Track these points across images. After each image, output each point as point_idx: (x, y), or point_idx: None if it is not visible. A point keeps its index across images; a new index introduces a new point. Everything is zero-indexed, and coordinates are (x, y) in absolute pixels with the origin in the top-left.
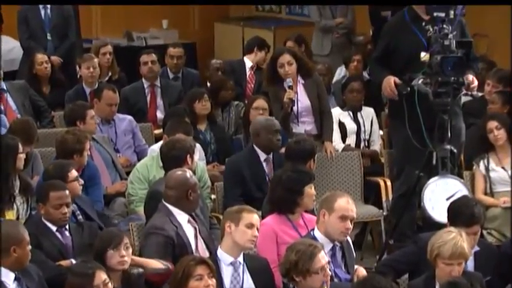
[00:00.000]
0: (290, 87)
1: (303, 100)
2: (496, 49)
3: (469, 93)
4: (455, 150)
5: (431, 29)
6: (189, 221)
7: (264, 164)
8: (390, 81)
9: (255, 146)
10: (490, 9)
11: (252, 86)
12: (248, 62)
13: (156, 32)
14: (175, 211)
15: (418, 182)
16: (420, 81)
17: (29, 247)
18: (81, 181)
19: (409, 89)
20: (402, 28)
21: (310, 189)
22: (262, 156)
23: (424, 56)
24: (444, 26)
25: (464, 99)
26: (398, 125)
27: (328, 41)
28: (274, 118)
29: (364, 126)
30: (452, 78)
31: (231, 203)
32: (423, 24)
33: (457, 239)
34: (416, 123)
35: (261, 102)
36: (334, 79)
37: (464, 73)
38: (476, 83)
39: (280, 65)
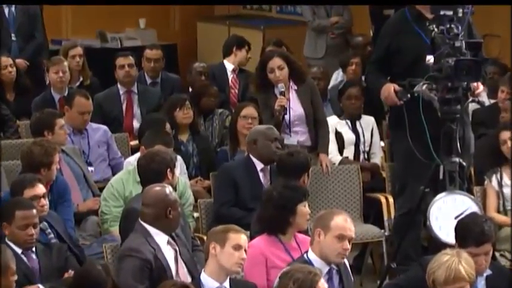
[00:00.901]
0: (281, 93)
1: (295, 108)
2: (507, 51)
3: (476, 99)
4: (464, 164)
5: (435, 29)
6: (168, 242)
7: (261, 175)
8: (390, 89)
9: (251, 156)
10: (502, 6)
11: (236, 91)
12: (229, 65)
13: (132, 32)
14: (154, 231)
15: (423, 198)
16: (424, 87)
17: (15, 277)
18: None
19: (409, 95)
20: (404, 28)
21: (303, 208)
22: (259, 166)
23: (429, 59)
24: (452, 25)
25: (472, 106)
26: (400, 135)
27: (322, 42)
28: (273, 127)
29: (364, 136)
30: (465, 83)
31: (223, 212)
32: (427, 23)
33: (451, 261)
34: (419, 133)
35: (249, 110)
36: (331, 84)
37: (479, 78)
38: (481, 88)
39: (270, 69)
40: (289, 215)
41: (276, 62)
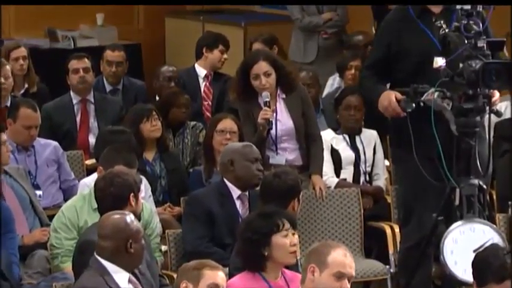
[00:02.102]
0: (266, 104)
1: (283, 120)
2: None
3: (494, 109)
4: (484, 186)
5: (443, 25)
6: (130, 281)
7: (238, 203)
8: (391, 97)
9: (225, 180)
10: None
11: (210, 103)
12: (200, 70)
13: (88, 29)
14: (112, 268)
15: (436, 228)
16: (436, 95)
17: None
18: None
19: (414, 105)
20: (406, 25)
21: (280, 239)
22: (236, 192)
23: (439, 61)
24: (471, 21)
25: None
26: (403, 153)
27: (313, 44)
28: (252, 144)
29: (365, 154)
30: (487, 91)
31: (200, 250)
32: (433, 19)
33: None
34: (428, 150)
35: (227, 123)
36: (325, 92)
37: (510, 83)
38: (497, 95)
39: (254, 76)
40: (263, 248)
41: (262, 67)
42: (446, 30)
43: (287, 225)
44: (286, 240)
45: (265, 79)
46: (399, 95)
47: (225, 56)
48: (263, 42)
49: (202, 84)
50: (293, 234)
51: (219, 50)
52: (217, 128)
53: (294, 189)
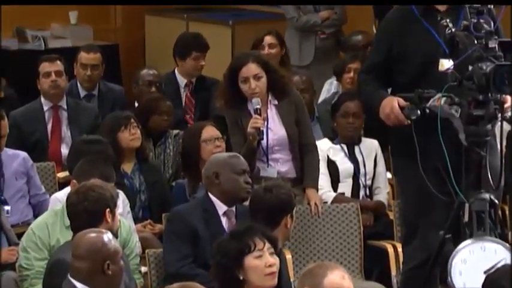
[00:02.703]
0: (257, 111)
1: (275, 129)
2: None
3: (506, 116)
4: (496, 201)
5: (450, 24)
6: None
7: (224, 220)
8: (393, 104)
9: (210, 195)
10: None
11: (192, 115)
12: (180, 78)
13: (60, 29)
14: None
15: (442, 247)
16: (443, 101)
17: None
18: None
19: (419, 112)
20: (409, 24)
21: (252, 260)
22: (221, 208)
23: (446, 64)
24: (481, 20)
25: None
26: (407, 165)
27: (310, 45)
28: (239, 155)
29: (365, 166)
30: (501, 96)
31: (184, 272)
32: (438, 18)
33: None
34: (435, 161)
35: (212, 131)
36: (321, 98)
37: None
38: (510, 101)
39: (243, 79)
40: (238, 272)
41: (251, 69)
42: (453, 30)
43: (260, 244)
44: (259, 262)
45: (255, 82)
46: (402, 101)
47: (202, 62)
48: (276, 37)
49: (183, 94)
50: (271, 253)
51: (192, 58)
52: (203, 137)
53: (286, 205)
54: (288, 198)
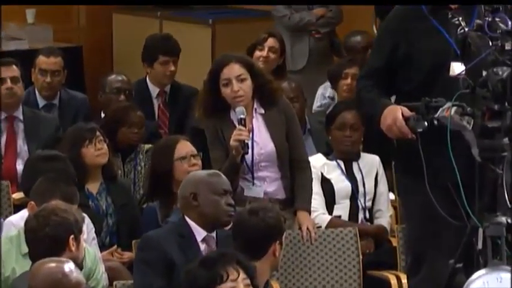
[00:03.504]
0: (242, 121)
1: (262, 142)
2: None
3: None
4: None
5: (462, 23)
6: None
7: (203, 247)
8: (396, 114)
9: (187, 219)
10: None
11: (167, 130)
12: (152, 86)
13: (16, 29)
14: None
15: (453, 278)
16: (453, 111)
17: None
18: None
19: (426, 124)
20: (416, 23)
21: None
22: (200, 234)
23: (457, 68)
24: (497, 18)
25: None
26: (412, 184)
27: (303, 46)
28: (220, 173)
29: (364, 185)
30: None
31: None
32: (449, 15)
33: None
34: (444, 180)
35: (186, 147)
36: (315, 105)
37: None
38: None
39: (225, 81)
40: None
41: (234, 69)
42: (466, 29)
43: (234, 274)
44: None
45: (238, 85)
46: (407, 111)
47: (172, 68)
48: (280, 42)
49: (156, 105)
50: (246, 285)
51: (159, 63)
52: (177, 154)
53: (274, 230)
54: (276, 222)
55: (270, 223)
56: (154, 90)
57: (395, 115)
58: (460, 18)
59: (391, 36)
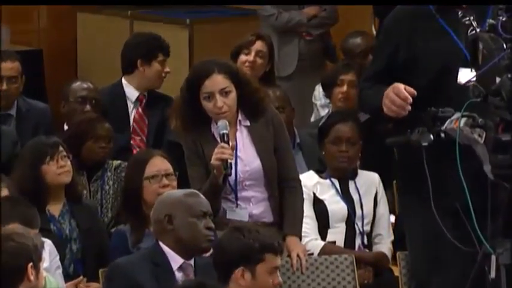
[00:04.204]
0: (223, 137)
1: (247, 159)
2: None
3: None
4: None
5: (473, 23)
6: None
7: (179, 276)
8: (398, 88)
9: (161, 244)
10: None
11: (145, 137)
12: (130, 90)
13: None
14: None
15: None
16: (463, 123)
17: None
18: None
19: (432, 136)
20: (421, 23)
21: None
22: (176, 261)
23: (466, 74)
24: None
25: None
26: (415, 204)
27: (293, 50)
28: (199, 193)
29: (362, 207)
30: None
31: None
32: (459, 14)
33: None
34: (452, 200)
35: (159, 163)
36: (313, 117)
37: None
38: None
39: (206, 94)
40: None
41: (217, 81)
42: (478, 30)
43: None
44: None
45: (222, 99)
46: (410, 90)
47: (167, 69)
48: (268, 45)
49: (132, 111)
50: None
51: (158, 62)
52: (147, 172)
53: (244, 253)
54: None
55: (254, 249)
56: (132, 94)
57: (394, 85)
58: (472, 18)
59: (392, 36)
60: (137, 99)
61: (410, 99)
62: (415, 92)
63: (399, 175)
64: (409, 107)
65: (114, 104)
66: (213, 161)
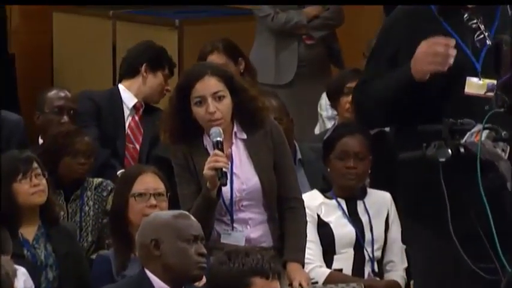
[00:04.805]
0: (218, 145)
1: (244, 176)
2: None
3: None
4: None
5: (481, 26)
6: None
7: None
8: (434, 39)
9: (147, 272)
10: None
11: (138, 146)
12: (128, 96)
13: None
14: None
15: None
16: (484, 136)
17: None
18: None
19: (450, 151)
20: (423, 26)
21: None
22: None
23: (475, 84)
24: None
25: None
26: (424, 228)
27: (292, 55)
28: (189, 214)
29: (372, 231)
30: None
31: None
32: (465, 16)
33: None
34: (471, 221)
35: (149, 180)
36: (317, 129)
37: None
38: None
39: (197, 99)
40: None
41: (210, 85)
42: (486, 34)
43: None
44: None
45: (215, 104)
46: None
47: (169, 86)
48: (225, 52)
49: (128, 117)
50: None
51: (163, 74)
52: (134, 189)
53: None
54: (241, 272)
55: (227, 270)
56: (130, 100)
57: (425, 41)
58: (479, 20)
59: (392, 40)
60: (134, 106)
61: (454, 42)
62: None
63: (403, 196)
64: (455, 52)
65: (110, 109)
66: (206, 171)
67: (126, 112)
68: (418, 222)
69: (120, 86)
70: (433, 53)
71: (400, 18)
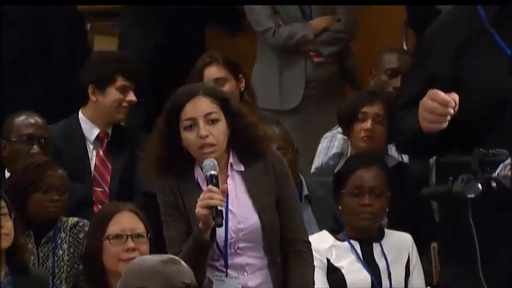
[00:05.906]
0: (213, 179)
1: (241, 214)
2: None
3: None
4: None
5: None
6: None
7: None
8: (436, 92)
9: None
10: None
11: (107, 188)
12: (88, 126)
13: None
14: None
15: None
16: None
17: None
18: None
19: (480, 186)
20: (471, 37)
21: None
22: None
23: None
24: None
25: None
26: (459, 270)
27: (298, 75)
28: (179, 259)
29: (390, 277)
30: None
31: None
32: None
33: None
34: (504, 265)
35: (126, 219)
36: (315, 164)
37: None
38: None
39: (187, 122)
40: None
41: (201, 105)
42: None
43: None
44: None
45: (208, 128)
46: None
47: (132, 97)
48: (225, 65)
49: (92, 153)
50: None
51: (115, 88)
52: (108, 230)
53: None
54: None
55: None
56: (90, 132)
57: (429, 92)
58: None
59: (433, 54)
60: (97, 137)
61: (453, 103)
62: (457, 97)
63: (442, 239)
64: (452, 112)
65: (69, 146)
66: (198, 210)
67: (90, 147)
68: (460, 267)
69: (80, 115)
70: (430, 109)
71: (442, 31)
